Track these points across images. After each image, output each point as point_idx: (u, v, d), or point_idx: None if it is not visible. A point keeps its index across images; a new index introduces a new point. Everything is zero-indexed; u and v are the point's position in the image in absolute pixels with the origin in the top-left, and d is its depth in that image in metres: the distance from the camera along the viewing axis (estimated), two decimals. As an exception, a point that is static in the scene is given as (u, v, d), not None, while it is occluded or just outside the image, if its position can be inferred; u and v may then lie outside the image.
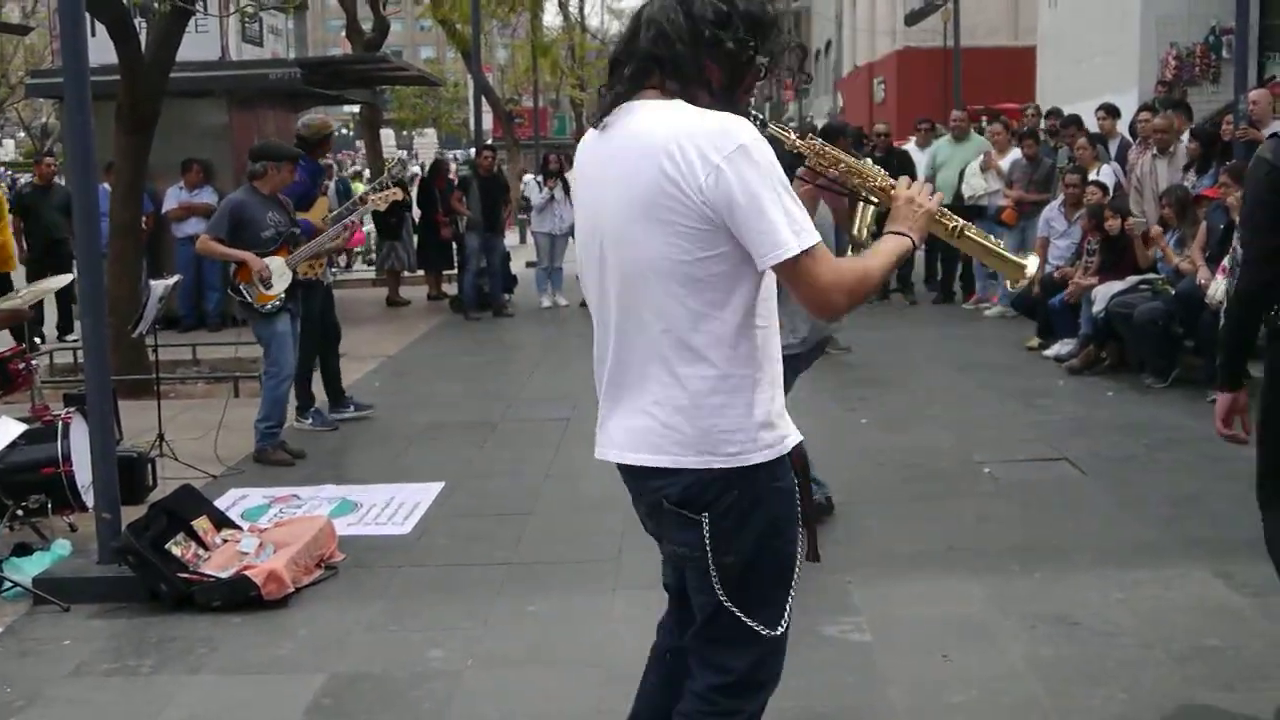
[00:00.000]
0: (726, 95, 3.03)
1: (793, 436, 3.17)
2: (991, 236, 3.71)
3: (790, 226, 2.88)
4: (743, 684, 3.18)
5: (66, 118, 6.27)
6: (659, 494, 3.08)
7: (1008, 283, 3.76)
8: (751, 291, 3.00)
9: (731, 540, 3.04)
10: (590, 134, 3.19)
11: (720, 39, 2.98)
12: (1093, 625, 5.36)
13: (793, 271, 2.92)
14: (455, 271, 17.26)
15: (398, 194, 10.22)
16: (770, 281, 3.05)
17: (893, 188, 3.38)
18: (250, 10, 16.58)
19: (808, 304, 3.02)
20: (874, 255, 3.18)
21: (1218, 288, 9.28)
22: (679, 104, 2.98)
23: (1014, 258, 3.67)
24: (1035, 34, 24.51)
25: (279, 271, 8.60)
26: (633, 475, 3.16)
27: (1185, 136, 12.06)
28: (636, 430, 3.07)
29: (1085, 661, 5.03)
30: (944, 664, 5.07)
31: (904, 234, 3.27)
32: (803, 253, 2.89)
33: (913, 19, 36.55)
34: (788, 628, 3.19)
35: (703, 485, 3.01)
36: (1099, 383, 10.45)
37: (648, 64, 3.02)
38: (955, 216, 3.52)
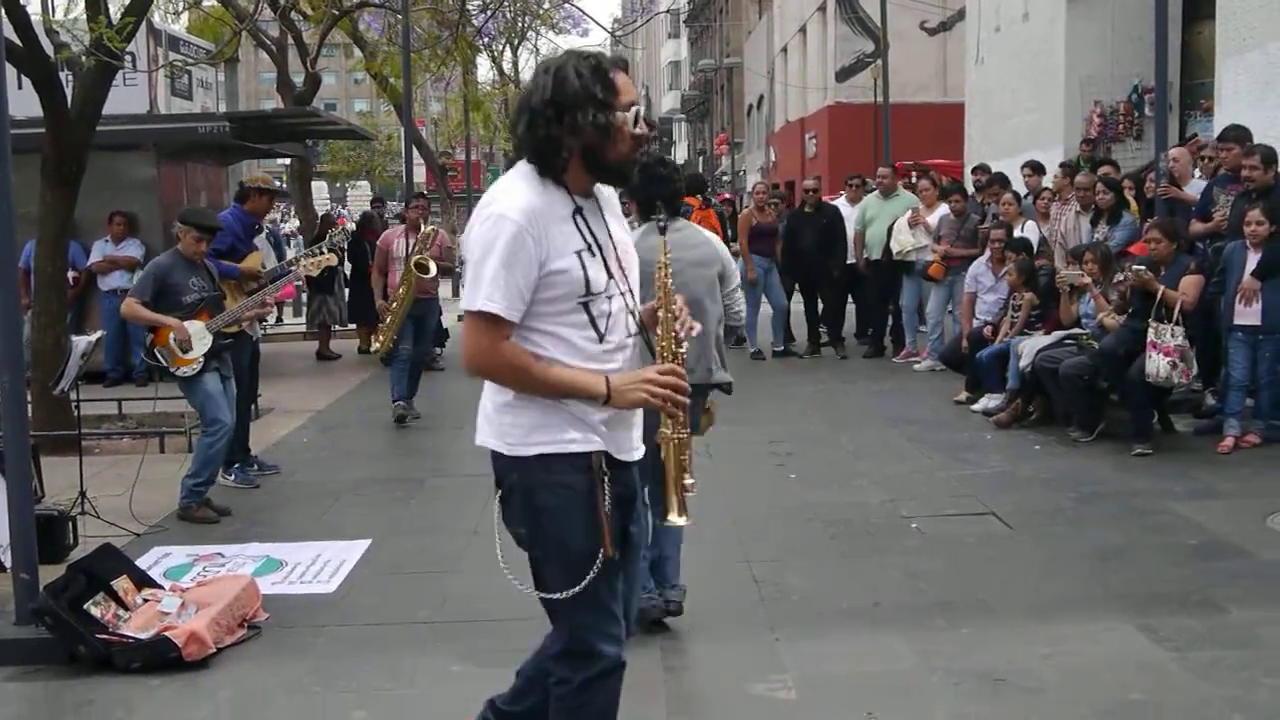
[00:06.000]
0: (554, 171, 3.64)
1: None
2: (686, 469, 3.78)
3: (472, 289, 3.54)
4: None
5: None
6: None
7: (672, 509, 3.75)
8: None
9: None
10: None
11: (533, 127, 3.59)
12: (1018, 682, 5.38)
13: (466, 322, 3.62)
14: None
15: (332, 260, 10.17)
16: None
17: (672, 355, 3.72)
18: (179, 65, 16.51)
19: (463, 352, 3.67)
20: (560, 371, 3.61)
21: (1157, 365, 9.37)
22: (520, 170, 3.67)
23: (675, 498, 3.74)
24: (963, 91, 24.80)
25: (197, 335, 8.53)
26: None
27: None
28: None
29: (1010, 719, 5.04)
30: (870, 722, 5.07)
31: (606, 388, 3.60)
32: (472, 313, 3.56)
33: (843, 75, 37.04)
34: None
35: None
36: (1026, 436, 10.54)
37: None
38: (683, 429, 3.71)
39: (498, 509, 3.78)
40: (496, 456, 3.75)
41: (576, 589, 3.64)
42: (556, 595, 3.68)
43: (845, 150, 34.38)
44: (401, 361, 12.16)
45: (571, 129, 3.56)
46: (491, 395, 3.74)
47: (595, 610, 3.73)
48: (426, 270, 11.69)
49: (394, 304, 11.75)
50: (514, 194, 3.56)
